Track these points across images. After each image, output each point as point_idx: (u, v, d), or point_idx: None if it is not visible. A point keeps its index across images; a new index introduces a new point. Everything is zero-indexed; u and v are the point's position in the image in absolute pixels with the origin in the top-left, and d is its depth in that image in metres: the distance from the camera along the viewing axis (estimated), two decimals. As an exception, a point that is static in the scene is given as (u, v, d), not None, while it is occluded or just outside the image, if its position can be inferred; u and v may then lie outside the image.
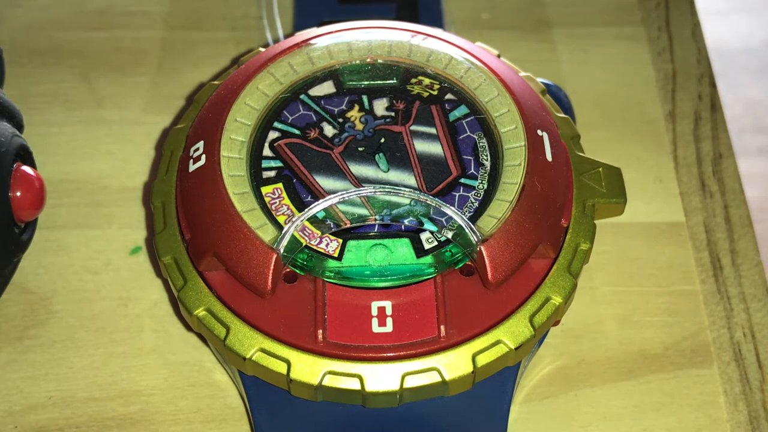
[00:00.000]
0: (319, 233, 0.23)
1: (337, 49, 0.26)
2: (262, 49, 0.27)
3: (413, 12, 0.31)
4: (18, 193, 0.25)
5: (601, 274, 0.28)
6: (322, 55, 0.26)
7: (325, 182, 0.24)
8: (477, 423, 0.23)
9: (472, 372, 0.22)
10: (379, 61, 0.26)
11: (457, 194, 0.23)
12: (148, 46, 0.33)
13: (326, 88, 0.25)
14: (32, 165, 0.27)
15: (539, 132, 0.24)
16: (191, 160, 0.24)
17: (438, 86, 0.25)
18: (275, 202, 0.23)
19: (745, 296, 0.27)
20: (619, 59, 0.33)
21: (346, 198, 0.23)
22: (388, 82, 0.26)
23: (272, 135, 0.25)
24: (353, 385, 0.22)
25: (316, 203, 0.23)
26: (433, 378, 0.22)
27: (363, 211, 0.23)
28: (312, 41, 0.26)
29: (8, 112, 0.27)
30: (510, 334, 0.22)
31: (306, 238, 0.23)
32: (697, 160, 0.30)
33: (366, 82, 0.26)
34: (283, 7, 0.34)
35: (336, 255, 0.23)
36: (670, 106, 0.32)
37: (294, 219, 0.23)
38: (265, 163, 0.24)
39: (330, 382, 0.22)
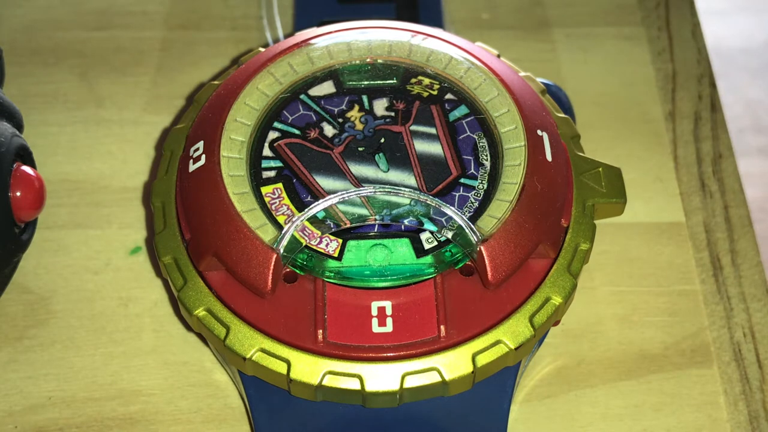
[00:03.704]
0: (319, 233, 0.23)
1: (336, 49, 0.26)
2: (262, 49, 0.27)
3: (413, 12, 0.31)
4: (18, 193, 0.25)
5: (601, 274, 0.28)
6: (322, 55, 0.26)
7: (325, 182, 0.24)
8: (477, 423, 0.23)
9: (472, 372, 0.22)
10: (379, 61, 0.26)
11: (457, 194, 0.23)
12: (148, 46, 0.33)
13: (326, 88, 0.25)
14: (32, 165, 0.27)
15: (539, 132, 0.24)
16: (191, 160, 0.24)
17: (438, 86, 0.25)
18: (275, 202, 0.23)
19: (745, 296, 0.27)
20: (619, 59, 0.33)
21: (346, 198, 0.23)
22: (388, 82, 0.26)
23: (272, 135, 0.25)
24: (353, 385, 0.22)
25: (316, 203, 0.23)
26: (433, 378, 0.22)
27: (363, 211, 0.23)
28: (312, 41, 0.26)
29: (8, 112, 0.27)
30: (510, 334, 0.22)
31: (306, 238, 0.23)
32: (697, 160, 0.30)
33: (366, 82, 0.26)
34: (283, 7, 0.34)
35: (336, 255, 0.23)
36: (670, 106, 0.32)
37: (294, 219, 0.23)
38: (265, 163, 0.24)
39: (330, 382, 0.22)
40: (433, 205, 0.23)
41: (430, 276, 0.23)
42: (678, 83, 0.32)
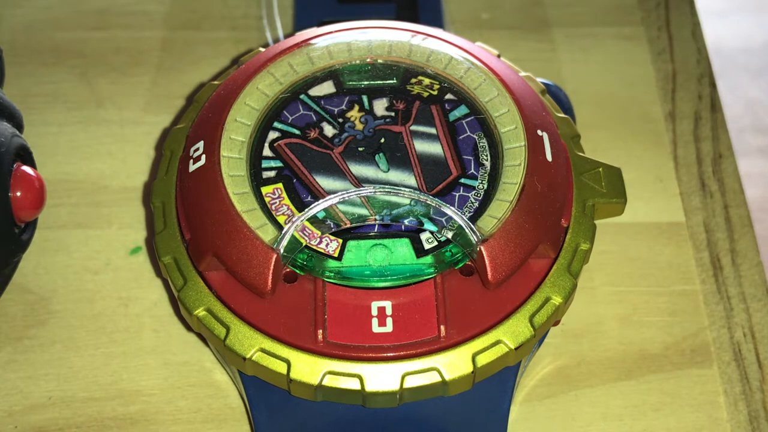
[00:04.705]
0: (319, 233, 0.23)
1: (337, 49, 0.26)
2: (262, 49, 0.27)
3: (413, 12, 0.31)
4: (18, 193, 0.25)
5: (601, 274, 0.28)
6: (322, 55, 0.26)
7: (325, 182, 0.24)
8: (477, 423, 0.23)
9: (472, 372, 0.22)
10: (379, 61, 0.26)
11: (457, 194, 0.23)
12: (148, 46, 0.33)
13: (326, 88, 0.25)
14: (32, 165, 0.27)
15: (539, 132, 0.24)
16: (191, 160, 0.24)
17: (438, 86, 0.25)
18: (275, 202, 0.23)
19: (745, 296, 0.27)
20: (619, 59, 0.33)
21: (346, 198, 0.23)
22: (388, 82, 0.26)
23: (272, 135, 0.25)
24: (353, 385, 0.22)
25: (316, 203, 0.23)
26: (433, 378, 0.22)
27: (363, 211, 0.23)
28: (312, 41, 0.26)
29: (8, 112, 0.27)
30: (510, 334, 0.22)
31: (306, 238, 0.23)
32: (697, 160, 0.30)
33: (366, 82, 0.26)
34: (283, 7, 0.34)
35: (336, 255, 0.23)
36: (670, 106, 0.32)
37: (294, 219, 0.23)
38: (265, 163, 0.24)
39: (330, 382, 0.22)
40: (433, 205, 0.23)
41: (430, 276, 0.23)
42: (678, 83, 0.32)
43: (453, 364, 0.22)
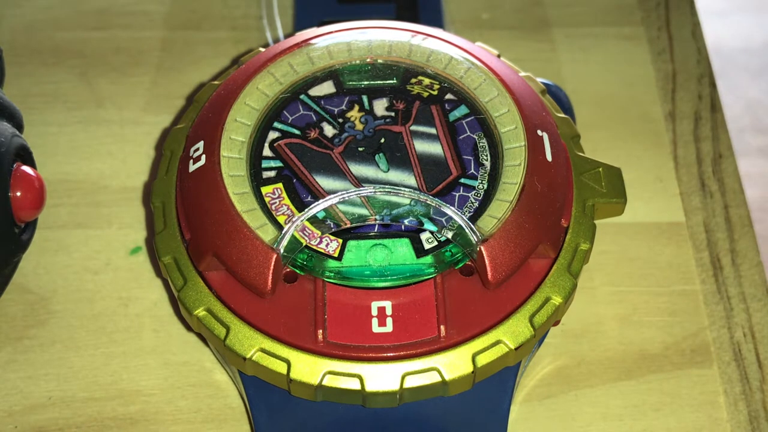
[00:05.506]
0: (319, 233, 0.23)
1: (337, 49, 0.26)
2: (262, 49, 0.27)
3: (413, 12, 0.31)
4: (18, 193, 0.25)
5: (601, 274, 0.28)
6: (322, 55, 0.26)
7: (325, 182, 0.24)
8: (477, 423, 0.23)
9: (472, 372, 0.22)
10: (379, 61, 0.26)
11: (457, 194, 0.23)
12: (148, 46, 0.33)
13: (326, 88, 0.25)
14: (32, 165, 0.27)
15: (539, 132, 0.24)
16: (191, 160, 0.24)
17: (438, 86, 0.25)
18: (275, 202, 0.23)
19: (745, 296, 0.27)
20: (619, 59, 0.33)
21: (346, 198, 0.23)
22: (388, 82, 0.26)
23: (272, 135, 0.25)
24: (353, 385, 0.22)
25: (316, 203, 0.23)
26: (433, 378, 0.22)
27: (363, 211, 0.23)
28: (312, 41, 0.26)
29: (8, 112, 0.27)
30: (510, 334, 0.22)
31: (306, 238, 0.23)
32: (697, 160, 0.30)
33: (366, 82, 0.26)
34: (283, 7, 0.34)
35: (336, 255, 0.23)
36: (670, 106, 0.32)
37: (294, 219, 0.23)
38: (265, 163, 0.24)
39: (330, 382, 0.22)
40: (433, 205, 0.23)
41: (430, 276, 0.23)
42: (678, 83, 0.32)
43: (453, 364, 0.22)
